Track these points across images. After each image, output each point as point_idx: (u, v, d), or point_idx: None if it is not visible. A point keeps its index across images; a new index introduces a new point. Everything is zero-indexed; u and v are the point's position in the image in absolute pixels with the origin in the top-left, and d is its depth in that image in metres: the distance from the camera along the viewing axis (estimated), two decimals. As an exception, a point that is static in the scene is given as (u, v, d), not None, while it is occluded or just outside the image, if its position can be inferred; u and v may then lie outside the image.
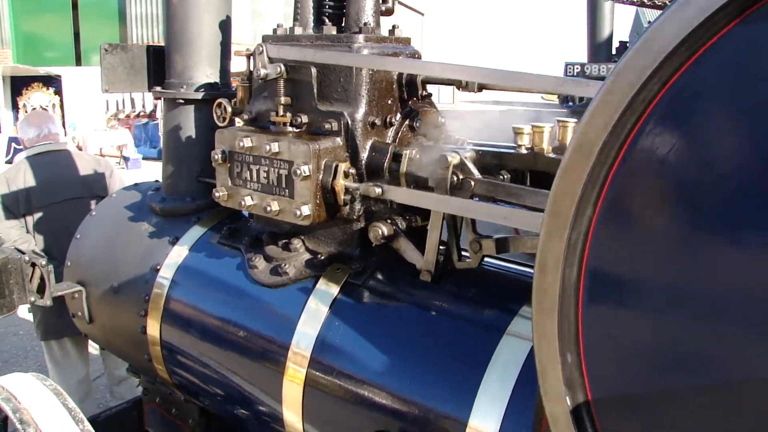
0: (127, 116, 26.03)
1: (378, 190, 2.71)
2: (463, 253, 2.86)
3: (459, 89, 2.86)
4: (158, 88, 3.85)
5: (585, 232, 1.54)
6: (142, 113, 26.14)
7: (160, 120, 22.87)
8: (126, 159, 22.40)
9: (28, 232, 5.34)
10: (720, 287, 1.32)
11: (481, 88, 2.84)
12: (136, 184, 4.36)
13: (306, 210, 2.82)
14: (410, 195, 2.71)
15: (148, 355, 3.64)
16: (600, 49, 13.72)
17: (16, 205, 5.31)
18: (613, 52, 14.11)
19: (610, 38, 13.96)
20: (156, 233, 3.78)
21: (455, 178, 2.65)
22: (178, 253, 3.60)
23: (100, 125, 23.99)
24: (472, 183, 2.62)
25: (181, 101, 3.74)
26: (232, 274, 3.33)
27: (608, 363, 1.53)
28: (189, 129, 3.80)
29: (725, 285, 1.31)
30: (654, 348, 1.43)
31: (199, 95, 3.71)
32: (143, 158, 22.59)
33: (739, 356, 1.30)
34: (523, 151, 2.79)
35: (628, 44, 15.10)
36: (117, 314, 3.81)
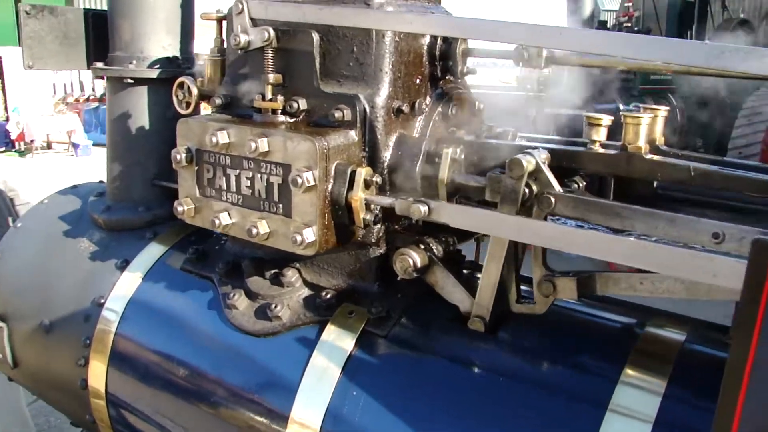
0: (76, 100, 24.59)
1: (423, 209, 1.89)
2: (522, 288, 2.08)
3: (519, 64, 2.06)
4: (100, 65, 2.95)
5: None
6: (92, 97, 24.72)
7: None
8: (75, 146, 21.08)
9: None
10: None
11: (550, 63, 2.04)
12: (74, 187, 3.45)
13: (309, 235, 1.99)
14: (476, 218, 1.87)
15: (91, 415, 2.77)
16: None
17: None
18: (595, 31, 13.42)
19: (591, 17, 13.30)
20: (99, 254, 2.91)
21: (526, 191, 1.87)
22: (129, 281, 2.73)
23: (47, 110, 22.53)
24: (552, 200, 1.83)
25: (130, 81, 2.86)
26: (202, 316, 2.48)
27: None
28: (141, 117, 2.92)
29: None
30: None
31: (154, 73, 2.84)
32: (94, 144, 21.25)
33: None
34: (599, 149, 2.03)
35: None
36: (49, 360, 2.93)
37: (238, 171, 2.15)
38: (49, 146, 21.76)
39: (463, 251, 2.40)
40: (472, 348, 2.04)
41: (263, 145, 2.01)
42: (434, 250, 2.15)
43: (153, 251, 2.81)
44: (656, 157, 1.94)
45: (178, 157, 2.25)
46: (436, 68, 2.25)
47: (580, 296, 1.93)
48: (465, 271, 2.39)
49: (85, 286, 2.83)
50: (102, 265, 2.85)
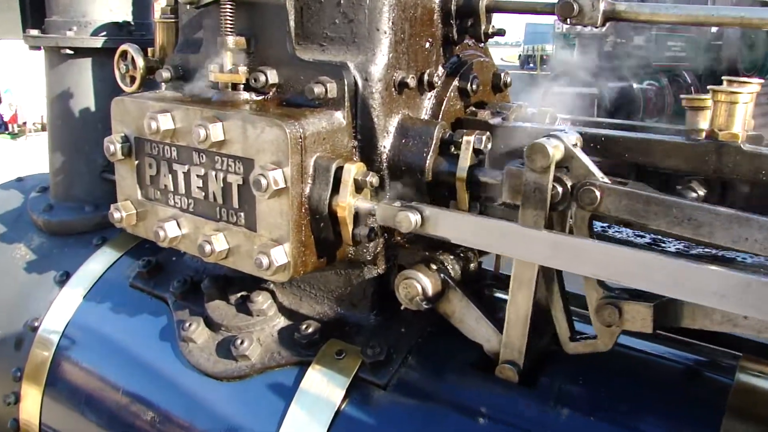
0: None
1: (414, 218, 1.36)
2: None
3: (566, 21, 1.50)
4: (34, 32, 2.40)
5: None
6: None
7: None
8: (70, 128, 20.49)
9: None
10: None
11: (609, 19, 1.49)
12: (19, 179, 2.91)
13: (280, 255, 1.45)
14: (488, 232, 1.35)
15: (25, 463, 2.26)
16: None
17: None
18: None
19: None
20: (37, 264, 2.39)
21: (558, 188, 1.35)
22: (69, 300, 2.22)
23: (41, 91, 21.91)
24: (597, 193, 1.31)
25: (70, 51, 2.31)
26: (153, 348, 1.96)
27: None
28: (85, 96, 2.39)
29: None
30: None
31: (98, 41, 2.30)
32: (90, 127, 20.63)
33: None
34: (684, 137, 1.49)
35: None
36: (-23, 395, 2.41)
37: (187, 167, 1.61)
38: (43, 128, 21.15)
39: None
40: (502, 404, 1.51)
41: (216, 132, 1.47)
42: (450, 271, 1.62)
43: (99, 262, 2.29)
44: (761, 149, 1.39)
45: (112, 147, 1.71)
46: (452, 28, 1.70)
47: (656, 328, 1.41)
48: (487, 292, 1.87)
49: (18, 304, 2.32)
50: (39, 279, 2.33)
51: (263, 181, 1.39)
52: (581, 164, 1.37)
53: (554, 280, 1.49)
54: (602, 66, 12.82)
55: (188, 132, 1.55)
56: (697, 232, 1.28)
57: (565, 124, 1.74)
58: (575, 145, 1.40)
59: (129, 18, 2.38)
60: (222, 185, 1.54)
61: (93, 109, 2.38)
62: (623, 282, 1.24)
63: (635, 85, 12.88)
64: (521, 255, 1.37)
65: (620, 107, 12.43)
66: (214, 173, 1.55)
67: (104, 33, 2.31)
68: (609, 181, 1.37)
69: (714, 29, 16.25)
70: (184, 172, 1.61)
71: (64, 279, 2.27)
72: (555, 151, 1.34)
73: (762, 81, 1.60)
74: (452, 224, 1.35)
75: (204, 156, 1.56)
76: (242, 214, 1.52)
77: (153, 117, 1.57)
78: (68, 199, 2.46)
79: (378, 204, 1.44)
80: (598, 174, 1.37)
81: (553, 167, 1.34)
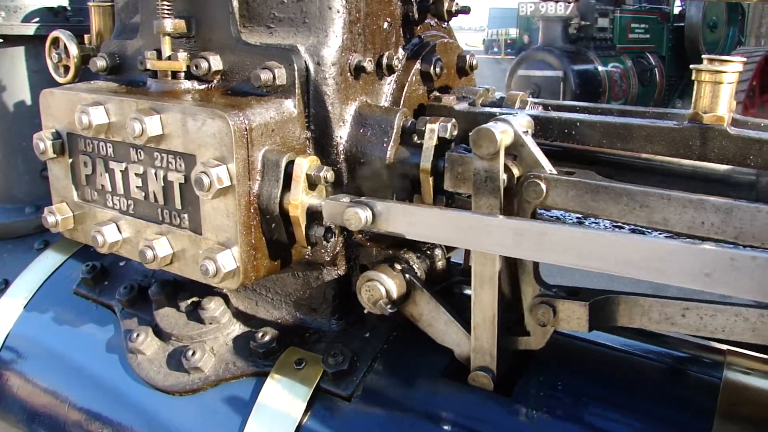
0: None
1: (364, 215, 1.24)
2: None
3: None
4: (-39, 20, 2.21)
5: None
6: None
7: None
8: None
9: None
10: None
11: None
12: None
13: (227, 260, 1.31)
14: (444, 224, 1.23)
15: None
16: (558, -15, 12.29)
17: None
18: (571, -12, 12.70)
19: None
20: (-27, 271, 2.20)
21: (505, 177, 1.24)
22: (8, 311, 2.05)
23: None
24: (542, 186, 1.20)
25: (-1, 40, 2.13)
26: (99, 361, 1.81)
27: None
28: (19, 89, 2.21)
29: None
30: None
31: (30, 28, 2.12)
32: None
33: None
34: (666, 121, 1.39)
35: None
36: None
37: (124, 165, 1.46)
38: None
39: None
40: (477, 414, 1.40)
41: (153, 126, 1.32)
42: (415, 270, 1.50)
43: (42, 267, 2.12)
44: (748, 132, 1.29)
45: (42, 145, 1.55)
46: (412, 6, 1.57)
47: (591, 328, 1.32)
48: (456, 290, 1.76)
49: (-47, 315, 2.14)
50: (-25, 288, 2.15)
51: (206, 180, 1.25)
52: (529, 153, 1.26)
53: (525, 272, 1.38)
54: (567, 48, 12.82)
55: (123, 126, 1.40)
56: (651, 220, 1.17)
57: (537, 108, 1.62)
58: (525, 132, 1.29)
59: (65, 2, 2.20)
60: (162, 184, 1.39)
61: (29, 102, 2.20)
62: (597, 268, 1.13)
63: (600, 68, 12.87)
64: (482, 246, 1.25)
65: (586, 89, 12.44)
66: (153, 171, 1.40)
67: (37, 19, 2.13)
68: (555, 172, 1.27)
69: (676, 11, 16.36)
70: (121, 171, 1.46)
71: (2, 287, 2.10)
72: (503, 136, 1.23)
73: (745, 59, 1.50)
74: (404, 218, 1.23)
75: (142, 152, 1.41)
76: (186, 215, 1.38)
77: (84, 110, 1.41)
78: (6, 201, 2.29)
79: (324, 200, 1.31)
80: (546, 165, 1.26)
81: (502, 153, 1.23)
